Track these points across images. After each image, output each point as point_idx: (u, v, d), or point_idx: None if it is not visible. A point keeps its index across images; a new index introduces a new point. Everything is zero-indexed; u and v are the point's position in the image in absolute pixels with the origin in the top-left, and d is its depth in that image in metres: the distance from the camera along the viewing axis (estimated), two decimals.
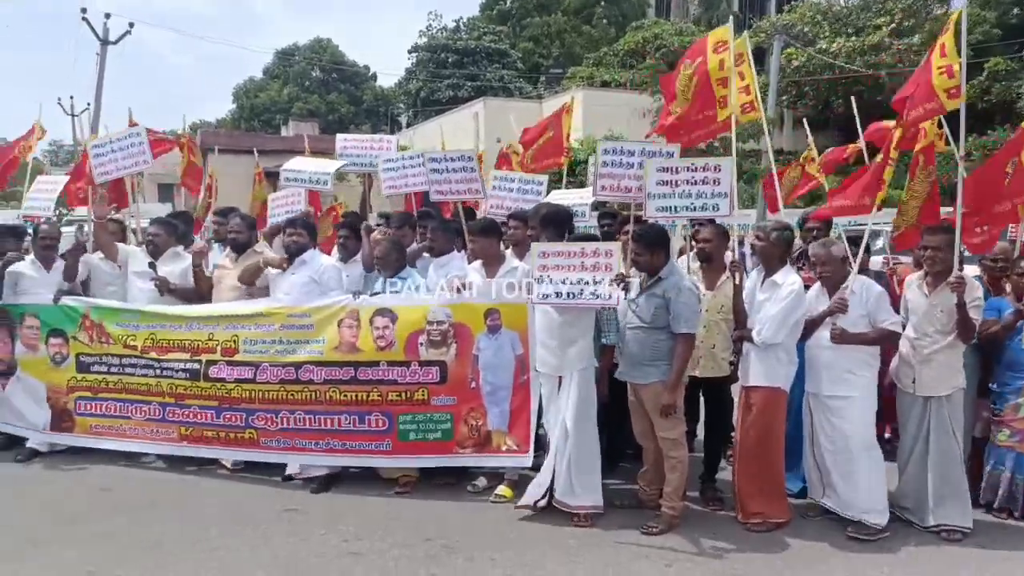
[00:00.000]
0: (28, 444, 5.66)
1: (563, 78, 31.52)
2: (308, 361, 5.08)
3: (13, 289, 5.67)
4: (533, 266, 4.53)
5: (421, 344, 4.99)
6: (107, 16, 23.02)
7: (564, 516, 4.54)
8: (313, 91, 48.24)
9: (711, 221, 4.88)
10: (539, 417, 4.96)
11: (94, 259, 5.94)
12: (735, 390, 4.88)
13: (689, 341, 4.36)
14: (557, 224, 5.01)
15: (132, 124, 7.05)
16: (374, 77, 50.72)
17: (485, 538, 4.33)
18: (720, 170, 4.67)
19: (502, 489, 4.92)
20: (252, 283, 5.54)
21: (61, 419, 5.60)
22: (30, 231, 6.09)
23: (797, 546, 4.24)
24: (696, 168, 4.72)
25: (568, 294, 4.41)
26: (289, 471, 5.22)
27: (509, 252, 5.37)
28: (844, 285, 4.36)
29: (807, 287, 4.50)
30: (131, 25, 23.70)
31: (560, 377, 4.58)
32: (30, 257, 5.82)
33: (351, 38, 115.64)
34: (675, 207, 4.75)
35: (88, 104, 21.92)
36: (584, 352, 4.56)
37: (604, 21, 39.22)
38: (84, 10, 22.50)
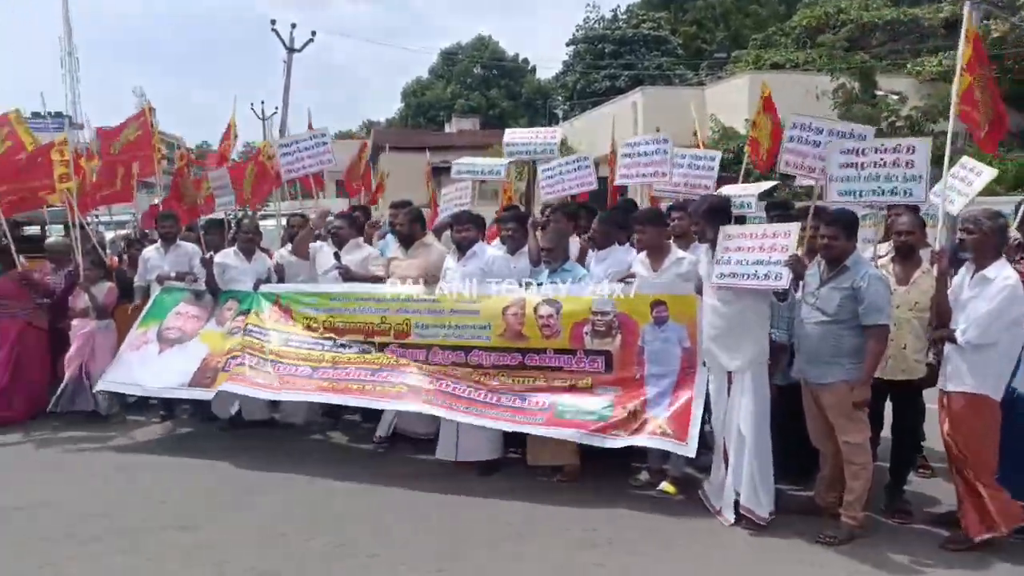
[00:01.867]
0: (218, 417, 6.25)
1: (727, 62, 30.23)
2: (476, 346, 5.23)
3: (221, 278, 6.28)
4: (719, 247, 4.37)
5: (586, 334, 5.00)
6: (293, 26, 25.22)
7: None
8: (474, 88, 49.80)
9: (912, 210, 4.46)
10: (705, 414, 4.82)
11: (284, 253, 6.49)
12: (927, 395, 4.48)
13: (883, 333, 4.03)
14: (723, 216, 4.81)
15: (310, 126, 7.69)
16: (533, 70, 51.42)
17: (649, 533, 4.26)
18: (914, 151, 4.27)
19: (665, 485, 4.82)
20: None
21: (203, 377, 5.79)
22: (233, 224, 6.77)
23: (1002, 570, 3.80)
24: (886, 149, 4.35)
25: (743, 275, 4.22)
26: (441, 455, 5.35)
27: (673, 243, 5.25)
28: None
29: None
30: (313, 33, 25.65)
31: (729, 373, 4.40)
32: (233, 248, 6.46)
33: (511, 34, 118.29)
34: (860, 191, 4.40)
35: (276, 108, 24.08)
36: (758, 347, 4.35)
37: None
38: (273, 21, 24.83)
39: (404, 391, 5.24)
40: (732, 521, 4.32)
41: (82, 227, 6.93)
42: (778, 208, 5.56)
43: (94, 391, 6.28)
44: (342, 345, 5.62)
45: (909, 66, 22.34)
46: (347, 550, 4.11)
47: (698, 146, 7.52)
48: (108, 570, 3.92)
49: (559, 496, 4.81)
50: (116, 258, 7.57)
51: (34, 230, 11.31)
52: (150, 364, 6.05)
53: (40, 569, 3.91)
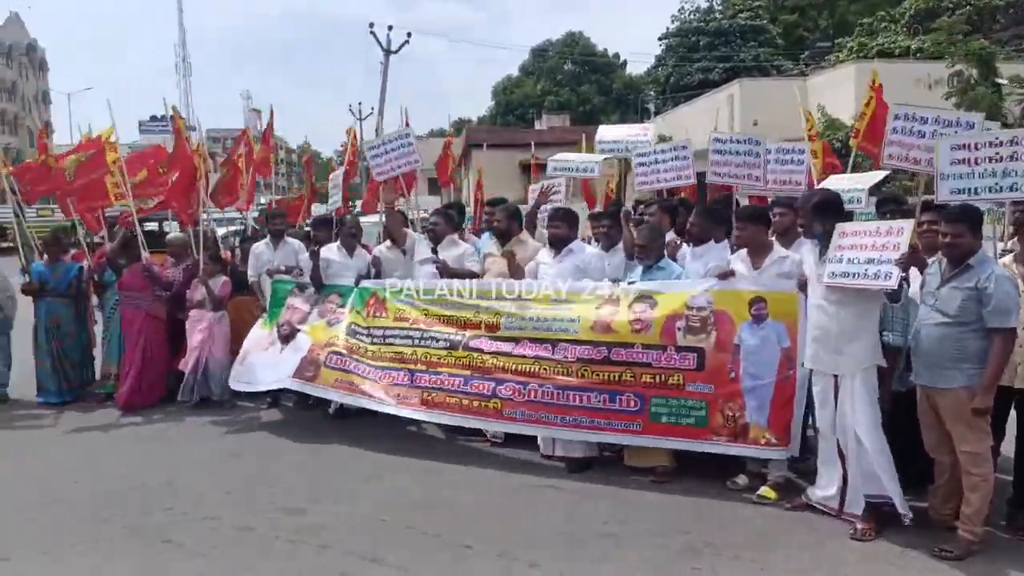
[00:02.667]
0: (332, 408, 6.47)
1: (831, 51, 28.92)
2: (564, 339, 5.20)
3: (325, 272, 6.54)
4: (832, 245, 4.20)
5: (679, 329, 4.90)
6: (390, 28, 26.01)
7: (838, 525, 4.22)
8: (565, 84, 49.74)
9: None
10: (807, 418, 4.67)
11: (382, 249, 6.70)
12: None
13: (1010, 337, 3.78)
14: (833, 212, 4.61)
15: (407, 125, 7.91)
16: (624, 65, 50.92)
17: (748, 539, 4.15)
18: None
19: (765, 490, 4.67)
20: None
21: (306, 369, 6.09)
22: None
23: None
24: (1001, 142, 4.08)
25: (853, 274, 4.04)
26: (543, 451, 5.42)
27: (775, 241, 5.07)
28: None
29: None
30: (409, 35, 26.34)
31: (836, 376, 4.22)
32: (336, 244, 6.72)
33: (603, 29, 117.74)
34: (975, 188, 4.13)
35: (372, 108, 24.86)
36: (868, 350, 4.14)
37: None
38: (372, 24, 25.64)
39: (500, 406, 5.29)
40: (860, 523, 4.13)
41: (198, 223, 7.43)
42: (890, 203, 5.28)
43: (227, 384, 6.67)
44: (431, 337, 5.69)
45: None
46: (443, 540, 4.21)
47: (812, 138, 7.07)
48: (221, 547, 4.17)
49: (652, 497, 4.75)
50: (229, 253, 8.01)
51: (152, 226, 12.16)
52: (270, 362, 6.38)
53: (161, 544, 4.21)
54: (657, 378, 4.92)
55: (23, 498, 4.91)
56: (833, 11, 36.09)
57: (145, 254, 7.14)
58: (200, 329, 6.83)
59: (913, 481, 4.32)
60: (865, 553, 3.96)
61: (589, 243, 6.20)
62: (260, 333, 6.62)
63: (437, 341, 5.68)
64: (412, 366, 5.71)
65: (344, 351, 6.05)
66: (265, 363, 6.43)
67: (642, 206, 6.48)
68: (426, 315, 5.82)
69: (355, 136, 9.07)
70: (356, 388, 5.91)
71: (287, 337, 6.41)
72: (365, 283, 6.33)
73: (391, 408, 5.76)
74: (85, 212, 7.80)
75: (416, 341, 5.77)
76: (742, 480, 4.85)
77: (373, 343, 5.98)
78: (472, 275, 6.04)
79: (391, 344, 5.89)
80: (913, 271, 4.18)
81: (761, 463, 4.83)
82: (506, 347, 5.39)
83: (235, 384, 6.55)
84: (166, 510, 4.65)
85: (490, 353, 5.43)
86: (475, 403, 5.39)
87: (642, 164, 6.33)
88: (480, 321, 5.57)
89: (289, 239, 7.18)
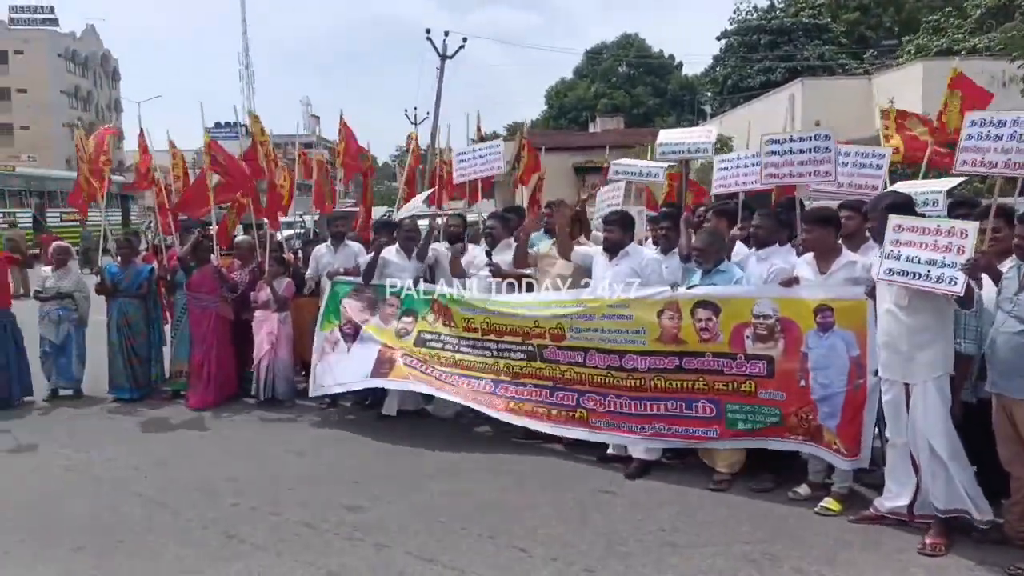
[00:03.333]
0: (385, 408, 6.52)
1: (897, 48, 28.01)
2: (631, 351, 5.19)
3: (382, 272, 6.64)
4: (888, 240, 4.07)
5: (747, 337, 4.84)
6: (446, 34, 26.32)
7: (905, 539, 4.07)
8: (619, 86, 49.40)
9: None
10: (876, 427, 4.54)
11: (440, 248, 6.78)
12: None
13: None
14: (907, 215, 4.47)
15: (478, 131, 8.06)
16: (679, 66, 50.33)
17: (811, 550, 4.04)
18: None
19: (829, 501, 4.54)
20: (525, 263, 5.88)
21: (382, 366, 6.16)
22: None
23: None
24: None
25: (913, 274, 3.90)
26: (606, 452, 5.39)
27: (843, 245, 4.93)
28: None
29: None
30: (464, 40, 26.58)
31: (907, 385, 4.08)
32: (395, 246, 6.81)
33: (658, 30, 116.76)
34: None
35: (428, 113, 25.19)
36: (940, 358, 4.00)
37: None
38: (428, 30, 26.00)
39: (585, 416, 5.33)
40: (930, 538, 3.99)
41: (259, 227, 7.65)
42: (964, 207, 5.07)
43: (310, 395, 6.80)
44: (506, 349, 5.74)
45: None
46: (498, 542, 4.22)
47: (900, 128, 6.80)
48: (283, 543, 4.27)
49: (712, 506, 4.68)
50: (292, 255, 8.22)
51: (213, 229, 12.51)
52: (343, 361, 6.49)
53: (226, 538, 4.34)
54: (730, 385, 4.89)
55: (95, 491, 5.12)
56: (900, 8, 34.88)
57: (215, 257, 7.39)
58: (267, 331, 7.02)
59: (987, 495, 4.14)
60: (934, 568, 3.82)
61: (644, 243, 6.15)
62: (321, 336, 6.72)
63: (513, 351, 5.71)
64: (494, 376, 5.77)
65: (420, 362, 6.09)
66: (335, 363, 6.52)
67: (700, 209, 6.40)
68: (490, 324, 5.83)
69: (416, 141, 9.23)
70: (436, 383, 5.96)
71: (350, 336, 6.51)
72: (423, 285, 6.37)
73: (473, 403, 5.81)
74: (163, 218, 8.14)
75: (494, 352, 5.81)
76: (804, 490, 4.73)
77: (445, 349, 6.04)
78: (524, 276, 6.05)
79: (467, 354, 5.92)
80: (984, 276, 4.01)
81: (824, 473, 4.72)
82: (578, 357, 5.42)
83: (319, 391, 6.62)
84: (231, 505, 4.80)
85: (567, 364, 5.46)
86: (563, 413, 5.43)
87: (724, 168, 6.29)
88: (543, 331, 5.57)
89: (349, 242, 7.33)
